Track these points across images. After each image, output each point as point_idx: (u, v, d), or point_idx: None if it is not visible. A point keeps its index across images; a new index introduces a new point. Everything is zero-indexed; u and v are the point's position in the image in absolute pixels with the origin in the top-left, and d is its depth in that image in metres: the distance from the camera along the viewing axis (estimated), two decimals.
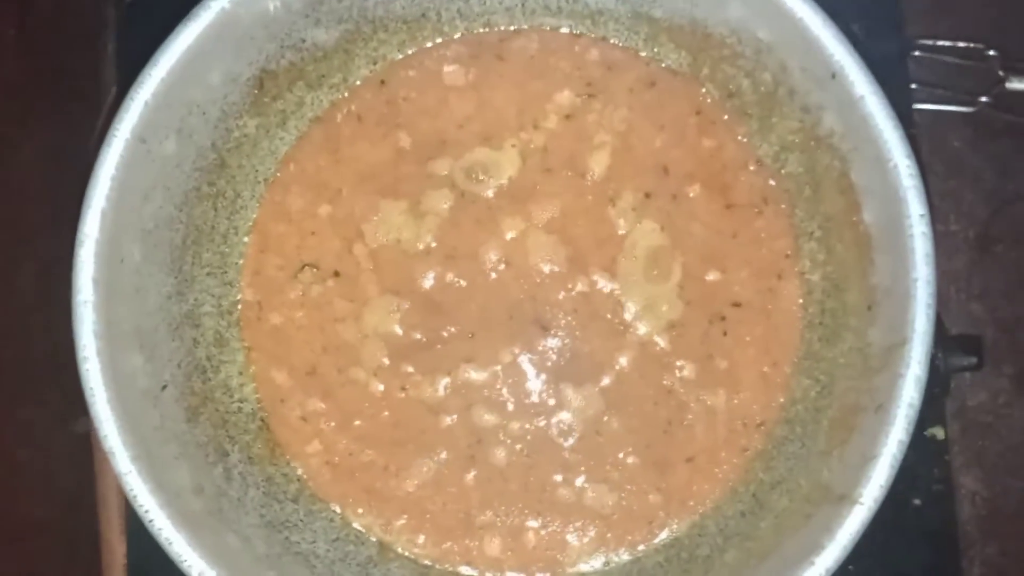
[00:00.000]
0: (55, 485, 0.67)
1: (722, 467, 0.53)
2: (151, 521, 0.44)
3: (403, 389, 0.54)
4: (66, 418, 0.61)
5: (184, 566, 0.44)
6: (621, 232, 0.54)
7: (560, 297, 0.54)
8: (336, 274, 0.55)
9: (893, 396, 0.45)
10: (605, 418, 0.53)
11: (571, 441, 0.53)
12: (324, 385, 0.54)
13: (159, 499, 0.44)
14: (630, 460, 0.53)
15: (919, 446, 0.60)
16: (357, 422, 0.54)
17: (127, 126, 0.46)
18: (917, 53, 0.72)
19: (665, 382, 0.53)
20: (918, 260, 0.45)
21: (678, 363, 0.53)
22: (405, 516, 0.53)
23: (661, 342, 0.53)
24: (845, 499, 0.44)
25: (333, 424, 0.54)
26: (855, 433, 0.47)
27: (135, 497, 0.44)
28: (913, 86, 0.71)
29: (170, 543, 0.44)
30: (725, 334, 0.54)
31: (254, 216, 0.55)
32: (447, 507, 0.53)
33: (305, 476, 0.53)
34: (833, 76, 0.47)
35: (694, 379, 0.53)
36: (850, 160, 0.49)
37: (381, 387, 0.54)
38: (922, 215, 0.45)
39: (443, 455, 0.53)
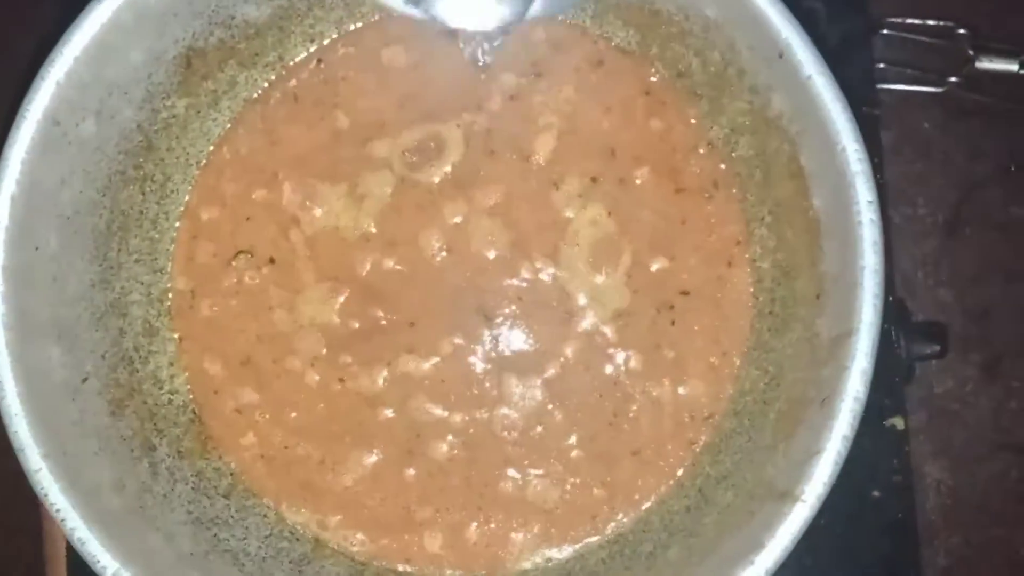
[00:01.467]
0: None
1: (668, 460, 0.51)
2: (63, 520, 0.42)
3: (340, 380, 0.52)
4: None
5: (97, 567, 0.42)
6: (567, 216, 0.52)
7: (504, 284, 0.52)
8: (271, 261, 0.53)
9: (838, 389, 0.43)
10: (549, 408, 0.52)
11: (514, 434, 0.52)
12: (258, 376, 0.52)
13: (72, 498, 0.42)
14: (574, 453, 0.51)
15: (878, 437, 0.58)
16: (293, 414, 0.52)
17: (38, 107, 0.44)
18: (885, 31, 0.70)
19: (610, 372, 0.51)
20: (866, 248, 0.43)
21: (625, 353, 0.52)
22: (341, 512, 0.51)
23: (608, 331, 0.52)
24: (787, 496, 0.43)
25: (268, 416, 0.52)
26: (800, 427, 0.45)
27: (46, 496, 0.42)
28: (880, 65, 0.70)
29: (83, 543, 0.42)
30: (673, 323, 0.52)
31: (185, 200, 0.53)
32: (385, 502, 0.51)
33: (239, 470, 0.52)
34: (780, 55, 0.45)
35: (640, 370, 0.51)
36: (799, 143, 0.47)
37: (317, 378, 0.52)
38: (870, 202, 0.43)
39: (381, 449, 0.51)
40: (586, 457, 0.51)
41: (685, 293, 0.52)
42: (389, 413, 0.52)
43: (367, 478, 0.51)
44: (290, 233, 0.53)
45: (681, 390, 0.51)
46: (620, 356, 0.52)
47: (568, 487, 0.51)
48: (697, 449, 0.51)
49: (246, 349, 0.52)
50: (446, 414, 0.52)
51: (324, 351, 0.52)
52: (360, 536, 0.51)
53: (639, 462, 0.51)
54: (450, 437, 0.52)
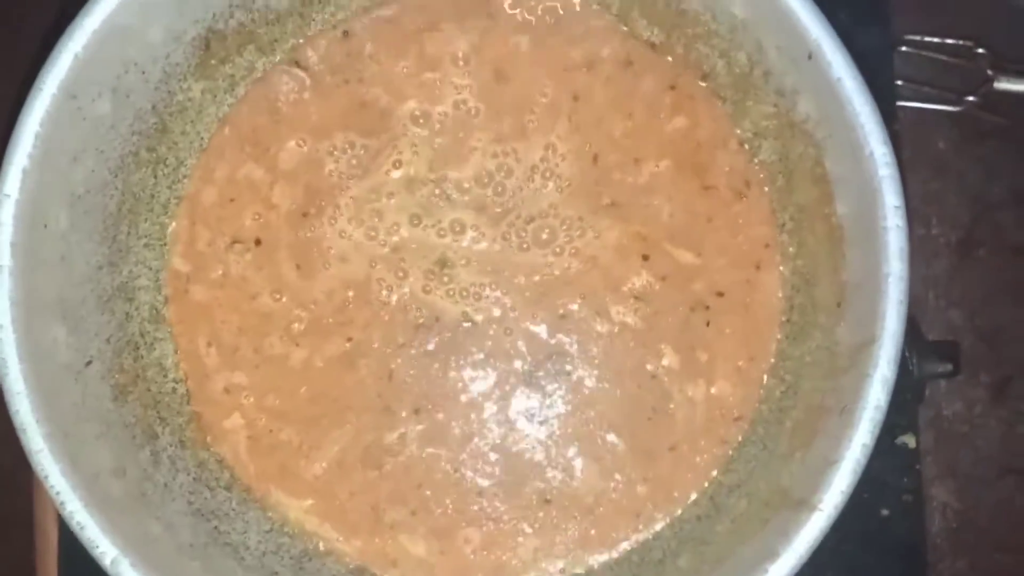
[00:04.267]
0: None
1: (703, 456, 0.50)
2: (62, 504, 0.41)
3: (322, 357, 0.51)
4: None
5: (96, 552, 0.41)
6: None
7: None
8: (257, 243, 0.52)
9: (859, 398, 0.42)
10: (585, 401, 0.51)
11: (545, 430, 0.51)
12: (246, 360, 0.51)
13: (72, 481, 0.41)
14: (618, 448, 0.50)
15: (889, 454, 0.58)
16: (276, 401, 0.51)
17: (54, 80, 0.43)
18: (904, 49, 0.70)
19: (649, 367, 0.51)
20: (891, 255, 0.43)
21: (660, 347, 0.51)
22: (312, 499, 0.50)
23: (635, 322, 0.51)
24: (804, 504, 0.42)
25: (252, 400, 0.51)
26: (818, 436, 0.44)
27: (46, 478, 0.41)
28: (899, 83, 0.69)
29: (82, 528, 0.41)
30: (708, 324, 0.51)
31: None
32: (354, 498, 0.50)
33: (228, 457, 0.50)
34: (809, 56, 0.44)
35: (677, 369, 0.51)
36: (825, 147, 0.46)
37: (303, 355, 0.51)
38: (897, 207, 0.43)
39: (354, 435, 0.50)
40: (628, 451, 0.50)
41: (720, 295, 0.51)
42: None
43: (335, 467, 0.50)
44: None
45: (713, 390, 0.51)
46: (656, 351, 0.51)
47: (613, 483, 0.50)
48: (729, 450, 0.50)
49: (235, 335, 0.51)
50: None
51: (305, 327, 0.51)
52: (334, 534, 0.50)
53: (676, 458, 0.50)
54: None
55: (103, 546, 0.41)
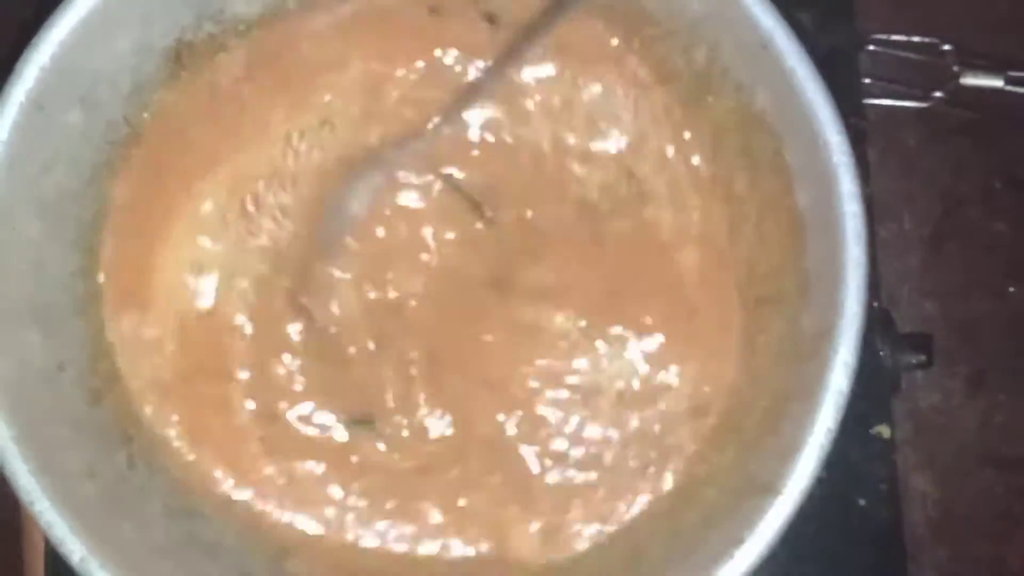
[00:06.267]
0: None
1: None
2: (31, 503, 0.41)
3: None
4: None
5: (64, 550, 0.41)
6: None
7: None
8: None
9: (821, 383, 0.43)
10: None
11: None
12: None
13: (41, 480, 0.42)
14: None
15: (864, 445, 0.58)
16: None
17: (21, 90, 0.44)
18: (871, 47, 0.71)
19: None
20: (849, 240, 0.43)
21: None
22: None
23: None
24: (768, 490, 0.42)
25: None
26: (783, 423, 0.45)
27: (15, 477, 0.42)
28: (866, 80, 0.70)
29: (50, 527, 0.41)
30: None
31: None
32: None
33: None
34: (764, 47, 0.45)
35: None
36: (783, 139, 0.47)
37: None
38: (853, 193, 0.43)
39: None
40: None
41: None
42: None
43: None
44: None
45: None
46: None
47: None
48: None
49: None
50: None
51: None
52: None
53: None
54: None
55: (71, 545, 0.41)
